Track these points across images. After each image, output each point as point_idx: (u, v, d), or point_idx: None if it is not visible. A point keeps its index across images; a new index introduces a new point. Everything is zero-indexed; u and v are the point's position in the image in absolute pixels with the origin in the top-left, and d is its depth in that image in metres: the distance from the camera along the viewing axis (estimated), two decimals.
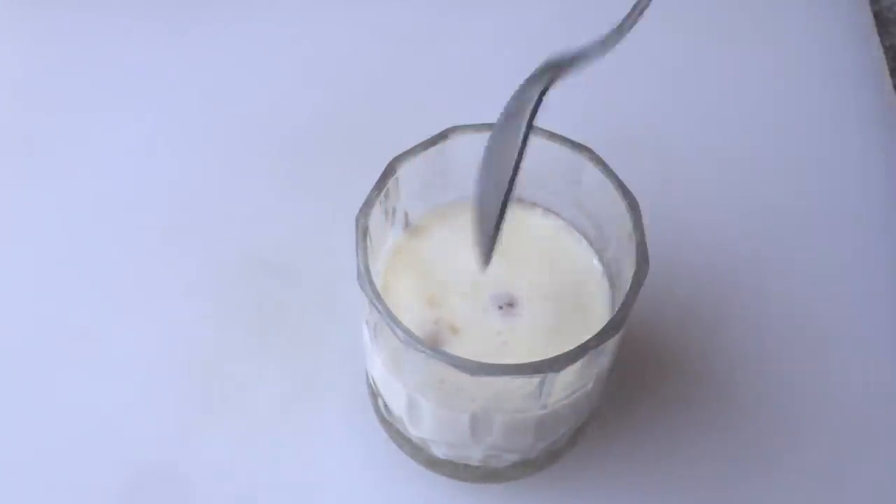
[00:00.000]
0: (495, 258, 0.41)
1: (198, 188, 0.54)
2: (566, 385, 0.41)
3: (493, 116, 0.43)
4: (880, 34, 0.61)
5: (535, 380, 0.39)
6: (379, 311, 0.39)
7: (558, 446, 0.45)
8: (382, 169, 0.42)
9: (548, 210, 0.45)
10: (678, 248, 0.52)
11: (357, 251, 0.40)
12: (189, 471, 0.46)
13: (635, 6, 0.37)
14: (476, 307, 0.43)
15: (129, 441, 0.47)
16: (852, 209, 0.54)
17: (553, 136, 0.42)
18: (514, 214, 0.41)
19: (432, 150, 0.43)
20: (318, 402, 0.48)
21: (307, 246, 0.52)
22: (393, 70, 0.58)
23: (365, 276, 0.40)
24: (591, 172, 0.42)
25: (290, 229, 0.53)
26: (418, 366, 0.39)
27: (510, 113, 0.38)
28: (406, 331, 0.38)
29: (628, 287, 0.40)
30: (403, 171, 0.42)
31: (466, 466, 0.45)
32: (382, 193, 0.42)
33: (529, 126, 0.37)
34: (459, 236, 0.43)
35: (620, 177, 0.42)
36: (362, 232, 0.40)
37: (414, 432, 0.44)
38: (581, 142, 0.43)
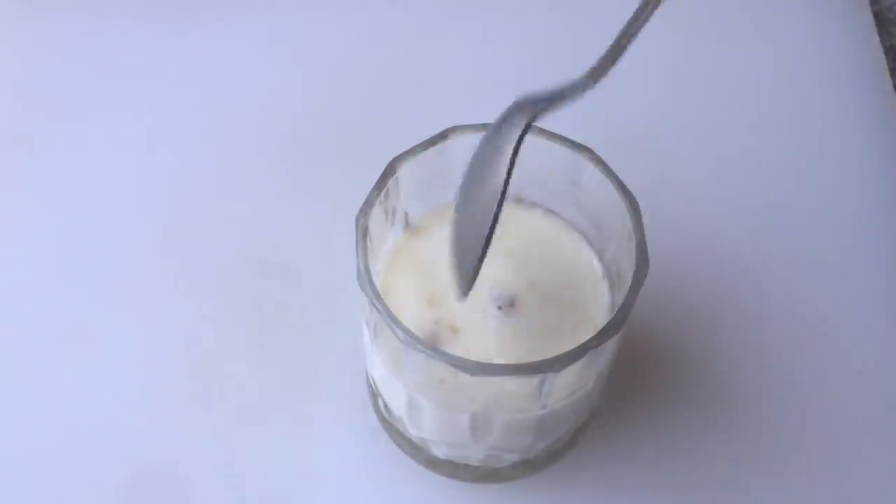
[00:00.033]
0: (495, 258, 0.42)
1: (198, 188, 0.54)
2: (566, 385, 0.41)
3: (493, 116, 0.43)
4: (880, 34, 0.61)
5: (535, 380, 0.39)
6: (379, 311, 0.39)
7: (558, 446, 0.45)
8: (382, 169, 0.42)
9: (548, 210, 0.45)
10: (678, 248, 0.52)
11: (357, 251, 0.40)
12: (189, 471, 0.46)
13: (610, 50, 0.37)
14: (476, 307, 0.43)
15: (129, 441, 0.47)
16: (852, 209, 0.54)
17: (553, 136, 0.42)
18: (513, 214, 0.42)
19: (432, 150, 0.43)
20: (318, 403, 0.48)
21: (307, 246, 0.52)
22: (393, 70, 0.58)
23: (365, 276, 0.40)
24: (591, 172, 0.42)
25: (290, 229, 0.53)
26: (418, 366, 0.39)
27: (487, 151, 0.39)
28: (406, 331, 0.38)
29: (628, 287, 0.40)
30: (403, 171, 0.42)
31: (466, 466, 0.45)
32: (382, 193, 0.42)
33: (510, 172, 0.38)
34: None
35: (620, 177, 0.42)
36: (362, 232, 0.40)
37: (414, 432, 0.44)
38: (581, 142, 0.43)
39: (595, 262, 0.44)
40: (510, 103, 0.39)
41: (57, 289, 0.51)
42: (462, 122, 0.43)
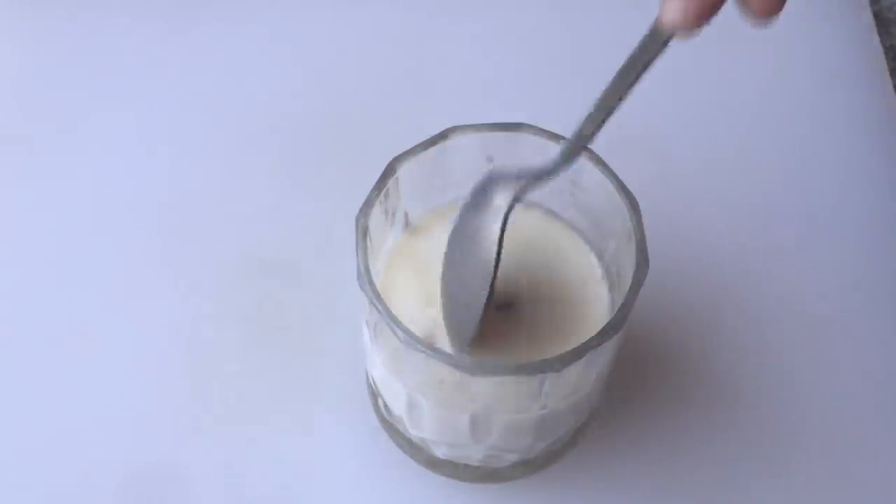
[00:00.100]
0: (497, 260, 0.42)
1: (198, 188, 0.54)
2: (566, 385, 0.41)
3: (492, 116, 0.43)
4: (880, 34, 0.61)
5: (535, 380, 0.39)
6: (379, 311, 0.39)
7: (558, 446, 0.45)
8: (382, 169, 0.42)
9: (547, 210, 0.45)
10: (678, 248, 0.52)
11: (357, 251, 0.40)
12: (188, 471, 0.46)
13: (578, 133, 0.38)
14: None
15: (129, 441, 0.47)
16: (853, 209, 0.54)
17: (553, 136, 0.42)
18: (513, 214, 0.41)
19: (432, 150, 0.43)
20: (318, 403, 0.48)
21: (307, 246, 0.52)
22: (393, 70, 0.58)
23: (365, 276, 0.40)
24: (591, 172, 0.42)
25: (290, 229, 0.53)
26: (418, 366, 0.39)
27: (471, 226, 0.40)
28: (406, 331, 0.38)
29: (628, 287, 0.40)
30: (403, 171, 0.42)
31: (466, 466, 0.45)
32: (382, 193, 0.42)
33: (499, 253, 0.40)
34: None
35: (620, 177, 0.42)
36: (362, 232, 0.40)
37: (414, 432, 0.44)
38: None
39: (595, 262, 0.44)
40: (485, 175, 0.40)
41: (56, 289, 0.51)
42: (462, 122, 0.43)
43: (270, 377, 0.49)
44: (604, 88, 0.37)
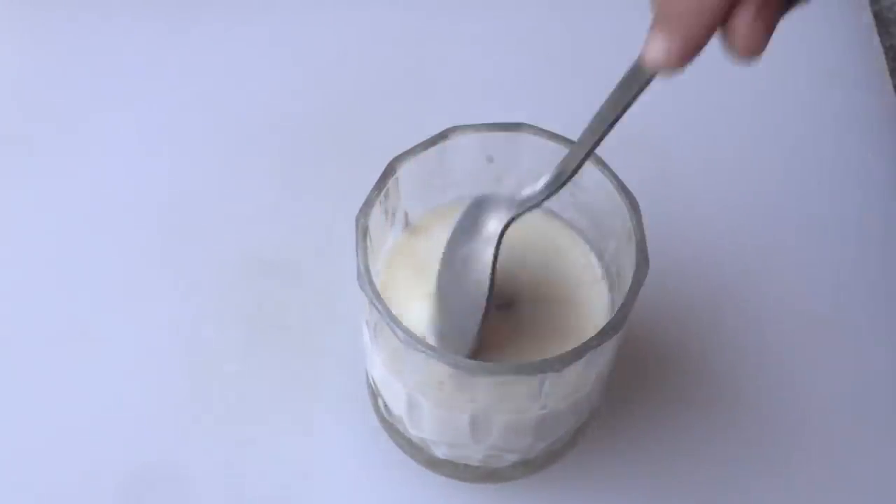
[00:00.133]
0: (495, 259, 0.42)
1: (198, 188, 0.54)
2: (566, 385, 0.41)
3: (492, 116, 0.43)
4: (880, 34, 0.61)
5: (535, 380, 0.39)
6: (379, 311, 0.39)
7: (558, 446, 0.45)
8: (382, 169, 0.42)
9: (547, 210, 0.45)
10: (678, 248, 0.52)
11: (357, 251, 0.40)
12: (188, 471, 0.46)
13: (564, 167, 0.39)
14: None
15: (129, 441, 0.47)
16: (852, 209, 0.54)
17: (553, 136, 0.42)
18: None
19: (432, 150, 0.43)
20: (318, 403, 0.48)
21: (307, 246, 0.52)
22: (393, 70, 0.58)
23: (365, 276, 0.40)
24: (591, 172, 0.42)
25: (290, 229, 0.53)
26: (418, 366, 0.39)
27: (462, 252, 0.41)
28: (406, 331, 0.38)
29: (628, 287, 0.40)
30: (403, 171, 0.42)
31: (466, 466, 0.45)
32: (382, 193, 0.42)
33: (493, 279, 0.40)
34: None
35: (620, 176, 0.42)
36: (362, 232, 0.40)
37: (414, 432, 0.44)
38: None
39: (595, 262, 0.44)
40: (473, 201, 0.41)
41: (56, 289, 0.51)
42: (462, 122, 0.43)
43: (270, 377, 0.49)
44: (589, 122, 0.37)
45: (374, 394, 0.46)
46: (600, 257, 0.44)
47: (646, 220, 0.41)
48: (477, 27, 0.60)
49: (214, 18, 0.60)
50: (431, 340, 0.42)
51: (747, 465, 0.47)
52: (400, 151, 0.42)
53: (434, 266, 0.43)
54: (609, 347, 0.40)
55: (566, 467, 0.47)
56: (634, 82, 0.35)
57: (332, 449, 0.47)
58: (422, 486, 0.46)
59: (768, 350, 0.50)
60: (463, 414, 0.41)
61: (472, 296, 0.41)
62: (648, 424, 0.48)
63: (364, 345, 0.44)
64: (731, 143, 0.56)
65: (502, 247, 0.41)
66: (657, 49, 0.32)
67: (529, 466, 0.46)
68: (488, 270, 0.40)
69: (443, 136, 0.43)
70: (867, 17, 0.61)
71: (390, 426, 0.46)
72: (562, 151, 0.42)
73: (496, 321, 0.42)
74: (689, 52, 0.32)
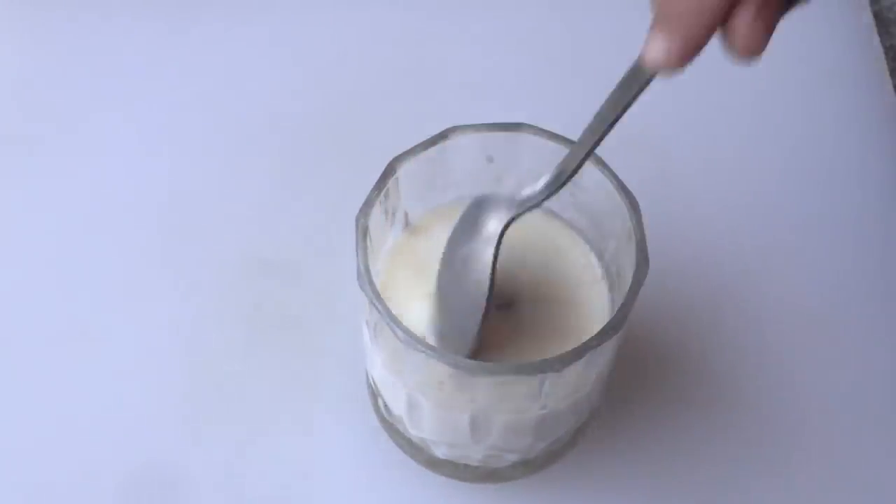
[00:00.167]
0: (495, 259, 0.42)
1: (198, 188, 0.54)
2: (566, 385, 0.41)
3: (492, 116, 0.43)
4: (880, 34, 0.61)
5: (535, 380, 0.39)
6: (379, 311, 0.39)
7: (558, 446, 0.45)
8: (382, 169, 0.42)
9: (547, 210, 0.45)
10: (678, 247, 0.52)
11: (357, 251, 0.40)
12: (188, 471, 0.46)
13: (560, 172, 0.39)
14: None
15: (129, 441, 0.47)
16: (852, 209, 0.54)
17: (553, 136, 0.42)
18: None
19: (432, 150, 0.43)
20: (318, 403, 0.48)
21: (307, 246, 0.52)
22: (393, 70, 0.58)
23: (365, 276, 0.40)
24: (591, 172, 0.42)
25: (290, 229, 0.53)
26: (418, 366, 0.39)
27: (463, 252, 0.41)
28: (406, 331, 0.38)
29: (628, 287, 0.40)
30: (403, 171, 0.42)
31: (466, 466, 0.45)
32: (382, 193, 0.42)
33: (492, 280, 0.40)
34: None
35: (620, 176, 0.42)
36: (362, 232, 0.40)
37: (414, 432, 0.44)
38: None
39: (595, 262, 0.44)
40: (472, 201, 0.41)
41: (56, 289, 0.51)
42: (462, 122, 0.43)
43: (270, 377, 0.49)
44: (589, 122, 0.37)
45: (374, 394, 0.46)
46: (600, 257, 0.44)
47: (646, 220, 0.41)
48: (477, 27, 0.60)
49: (214, 18, 0.60)
50: (431, 340, 0.42)
51: (747, 465, 0.47)
52: (400, 151, 0.42)
53: (434, 266, 0.43)
54: (609, 347, 0.40)
55: (566, 467, 0.47)
56: (634, 82, 0.35)
57: (332, 449, 0.47)
58: (422, 486, 0.46)
59: (768, 350, 0.50)
60: (463, 414, 0.41)
61: (472, 296, 0.41)
62: (648, 424, 0.48)
63: (364, 345, 0.44)
64: (731, 143, 0.56)
65: (502, 247, 0.41)
66: (657, 49, 0.32)
67: (529, 466, 0.46)
68: (488, 270, 0.40)
69: (443, 136, 0.43)
70: (867, 17, 0.61)
71: (390, 426, 0.46)
72: (562, 151, 0.42)
73: (496, 321, 0.42)
74: (689, 52, 0.32)
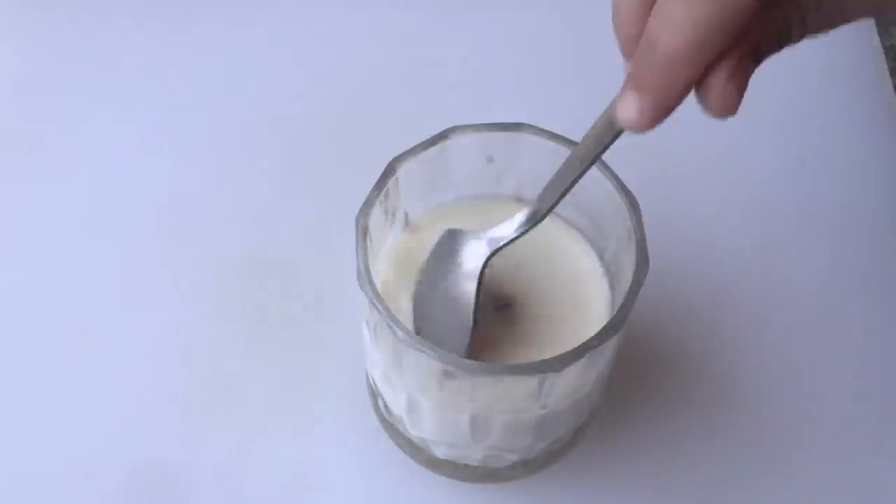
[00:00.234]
0: (495, 258, 0.42)
1: (198, 188, 0.54)
2: (566, 385, 0.41)
3: (492, 116, 0.43)
4: (880, 34, 0.61)
5: (535, 380, 0.39)
6: (379, 311, 0.39)
7: (558, 446, 0.45)
8: (382, 169, 0.42)
9: None
10: (678, 247, 0.52)
11: (357, 251, 0.40)
12: (188, 471, 0.46)
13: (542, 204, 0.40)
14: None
15: (129, 441, 0.47)
16: (853, 208, 0.54)
17: (553, 136, 0.42)
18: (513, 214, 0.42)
19: (432, 150, 0.43)
20: (318, 403, 0.48)
21: (307, 246, 0.52)
22: (393, 70, 0.58)
23: (365, 276, 0.40)
24: (591, 172, 0.42)
25: (290, 229, 0.53)
26: (418, 366, 0.39)
27: (444, 286, 0.42)
28: (406, 331, 0.38)
29: (628, 287, 0.40)
30: (403, 171, 0.42)
31: (466, 466, 0.45)
32: (382, 193, 0.42)
33: (476, 311, 0.41)
34: None
35: (620, 176, 0.42)
36: (362, 232, 0.40)
37: (414, 432, 0.44)
38: (580, 141, 0.43)
39: (595, 261, 0.44)
40: (443, 235, 0.42)
41: (56, 289, 0.51)
42: (462, 122, 0.43)
43: (270, 377, 0.49)
44: (560, 167, 0.39)
45: (374, 394, 0.46)
46: (600, 257, 0.44)
47: (646, 220, 0.41)
48: (477, 27, 0.60)
49: (214, 19, 0.60)
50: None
51: (747, 465, 0.47)
52: (400, 151, 0.42)
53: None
54: (609, 347, 0.40)
55: (566, 467, 0.47)
56: (607, 134, 0.36)
57: (332, 449, 0.47)
58: (422, 486, 0.46)
59: (768, 350, 0.50)
60: (463, 414, 0.41)
61: (455, 328, 0.41)
62: (648, 424, 0.48)
63: (364, 345, 0.44)
64: (730, 143, 0.56)
65: (502, 249, 0.41)
66: (630, 109, 0.33)
67: (529, 466, 0.46)
68: (472, 306, 0.41)
69: (443, 136, 0.43)
70: (867, 17, 0.61)
71: (390, 426, 0.46)
72: (562, 151, 0.42)
73: (496, 321, 0.42)
74: (661, 113, 0.33)
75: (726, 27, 0.31)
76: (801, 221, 0.54)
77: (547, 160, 0.43)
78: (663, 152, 0.55)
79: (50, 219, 0.53)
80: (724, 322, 0.51)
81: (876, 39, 0.60)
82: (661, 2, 0.31)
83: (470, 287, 0.41)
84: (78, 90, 0.57)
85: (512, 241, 0.41)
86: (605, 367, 0.42)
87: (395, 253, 0.44)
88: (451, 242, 0.42)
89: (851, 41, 0.60)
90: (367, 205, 0.41)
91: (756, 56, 0.33)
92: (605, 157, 0.42)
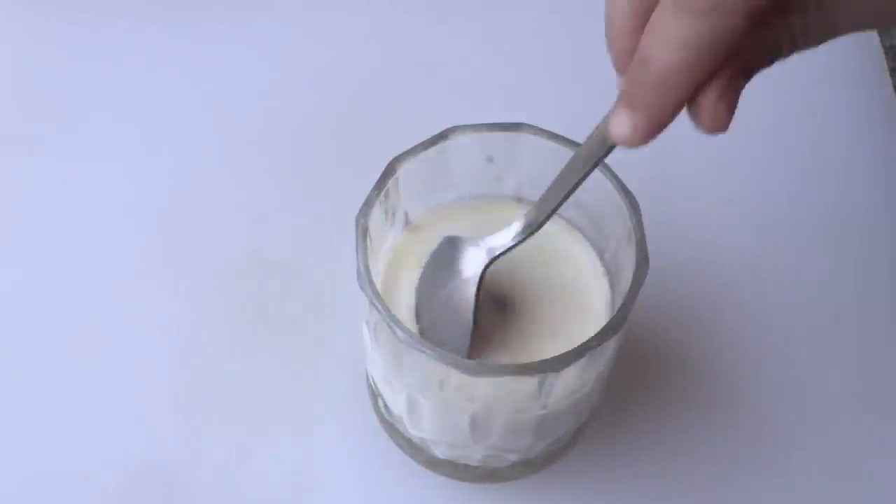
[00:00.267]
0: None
1: (198, 189, 0.54)
2: (566, 385, 0.41)
3: (492, 116, 0.43)
4: (880, 34, 0.61)
5: (535, 380, 0.39)
6: (379, 311, 0.39)
7: (558, 446, 0.45)
8: (382, 169, 0.42)
9: None
10: (678, 247, 0.52)
11: (357, 251, 0.40)
12: (189, 471, 0.46)
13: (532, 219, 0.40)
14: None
15: (129, 441, 0.47)
16: (853, 208, 0.54)
17: (553, 136, 0.42)
18: (513, 214, 0.42)
19: (432, 150, 0.43)
20: (318, 403, 0.48)
21: (307, 246, 0.52)
22: (393, 71, 0.58)
23: (365, 276, 0.40)
24: (592, 172, 0.42)
25: (290, 229, 0.53)
26: (418, 366, 0.39)
27: (444, 293, 0.42)
28: (406, 331, 0.38)
29: (628, 287, 0.40)
30: (403, 171, 0.42)
31: (466, 466, 0.45)
32: (382, 193, 0.42)
33: (476, 314, 0.41)
34: None
35: (620, 177, 0.42)
36: (362, 232, 0.40)
37: (414, 432, 0.44)
38: (580, 141, 0.43)
39: (595, 261, 0.44)
40: (442, 243, 0.43)
41: (56, 289, 0.51)
42: (462, 122, 0.43)
43: (270, 377, 0.49)
44: (555, 178, 0.39)
45: (374, 394, 0.46)
46: (601, 257, 0.44)
47: (646, 220, 0.41)
48: (477, 27, 0.60)
49: (214, 21, 0.60)
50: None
51: (747, 465, 0.47)
52: (400, 151, 0.42)
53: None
54: (609, 347, 0.40)
55: (566, 467, 0.47)
56: (599, 148, 0.37)
57: (332, 449, 0.47)
58: (422, 486, 0.46)
59: (768, 350, 0.50)
60: (463, 414, 0.41)
61: (456, 333, 0.41)
62: (648, 424, 0.48)
63: (364, 345, 0.44)
64: (730, 144, 0.56)
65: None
66: (623, 126, 0.33)
67: (529, 466, 0.46)
68: (471, 309, 0.41)
69: (443, 136, 0.43)
70: None
71: (390, 426, 0.46)
72: (562, 151, 0.42)
73: (496, 321, 0.42)
74: (653, 130, 0.33)
75: (717, 47, 0.31)
76: (800, 221, 0.54)
77: (547, 160, 0.43)
78: (663, 152, 0.55)
79: (50, 219, 0.53)
80: (724, 322, 0.51)
81: (876, 39, 0.60)
82: (654, 19, 0.31)
83: (470, 292, 0.41)
84: (78, 91, 0.57)
85: (509, 249, 0.41)
86: (605, 367, 0.42)
87: (394, 253, 0.44)
88: (450, 249, 0.42)
89: (851, 41, 0.60)
90: (367, 205, 0.41)
91: (746, 73, 0.34)
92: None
